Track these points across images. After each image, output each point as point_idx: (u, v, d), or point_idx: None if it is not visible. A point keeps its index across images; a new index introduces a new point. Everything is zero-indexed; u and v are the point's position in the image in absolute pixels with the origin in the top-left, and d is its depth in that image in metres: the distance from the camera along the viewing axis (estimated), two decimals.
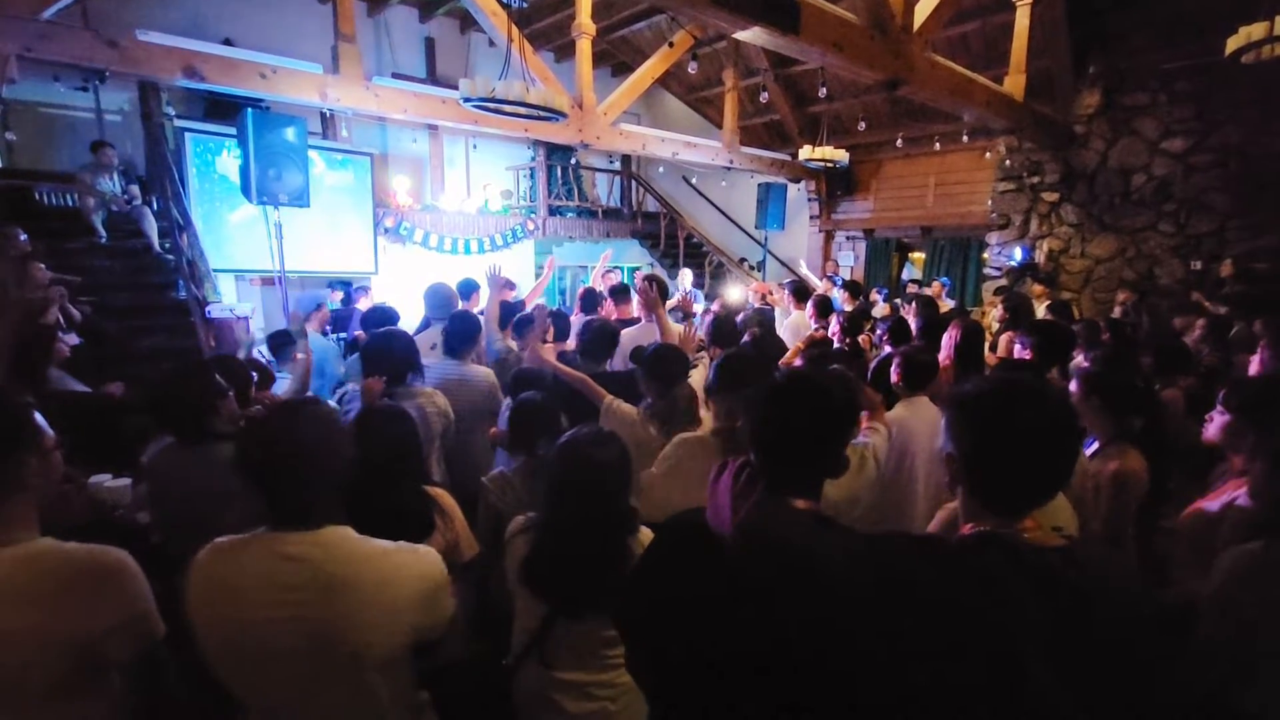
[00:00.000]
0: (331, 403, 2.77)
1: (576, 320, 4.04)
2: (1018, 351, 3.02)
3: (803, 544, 0.91)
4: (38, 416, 1.23)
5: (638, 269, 11.34)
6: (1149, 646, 0.90)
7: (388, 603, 1.22)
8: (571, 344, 3.49)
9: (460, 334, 3.05)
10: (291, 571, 1.18)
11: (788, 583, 0.86)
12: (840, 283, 6.81)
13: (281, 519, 1.22)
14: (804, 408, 1.09)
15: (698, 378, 2.86)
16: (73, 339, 4.49)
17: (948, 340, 3.07)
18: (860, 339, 4.04)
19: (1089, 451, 2.16)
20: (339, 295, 6.84)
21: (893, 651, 0.81)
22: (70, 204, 6.41)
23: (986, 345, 4.70)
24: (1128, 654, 0.88)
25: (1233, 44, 3.90)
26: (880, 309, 6.80)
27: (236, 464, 1.22)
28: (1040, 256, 7.65)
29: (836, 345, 3.83)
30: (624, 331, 3.69)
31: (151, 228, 6.25)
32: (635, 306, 5.32)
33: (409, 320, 5.05)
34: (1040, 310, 5.72)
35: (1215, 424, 1.98)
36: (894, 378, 2.64)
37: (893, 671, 0.81)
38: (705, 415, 2.51)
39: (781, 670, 0.87)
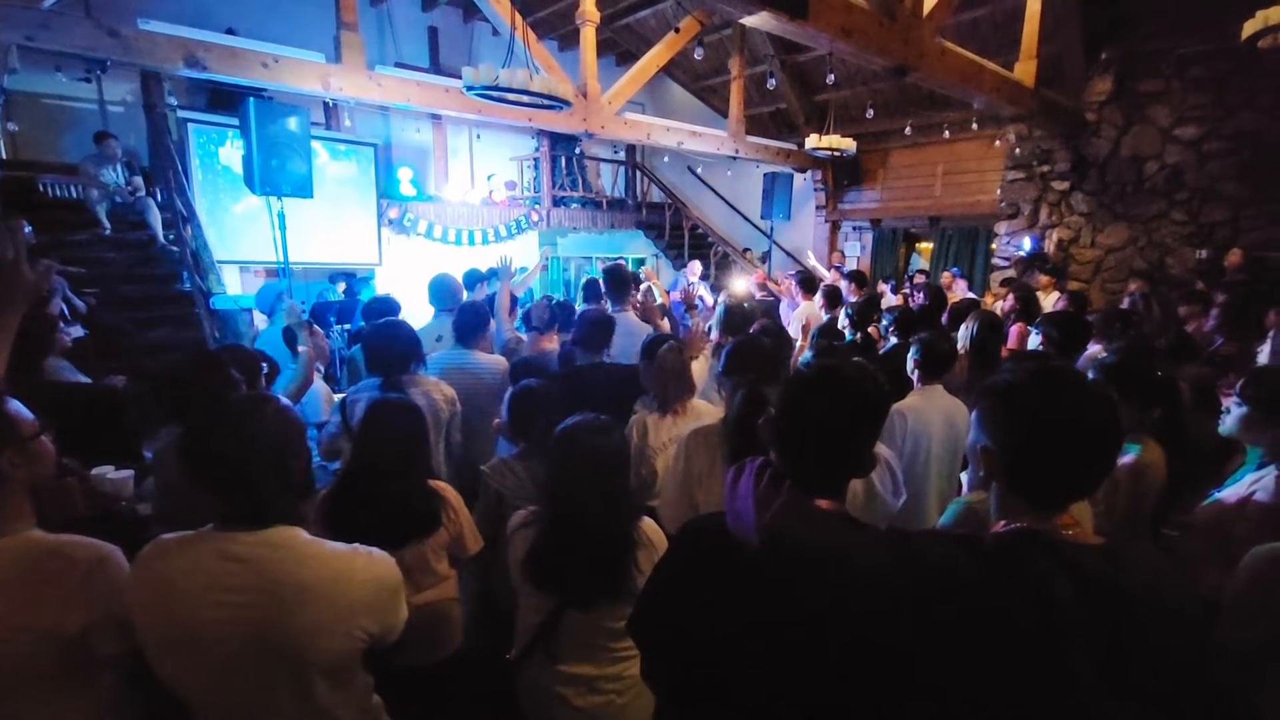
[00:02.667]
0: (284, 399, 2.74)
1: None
2: (1032, 342, 2.98)
3: (839, 549, 0.87)
4: (12, 405, 1.18)
5: (642, 260, 11.30)
6: (1188, 647, 0.87)
7: (336, 606, 1.17)
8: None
9: (470, 324, 3.06)
10: (236, 572, 1.13)
11: (826, 590, 0.84)
12: (846, 274, 6.76)
13: (230, 517, 1.17)
14: (833, 402, 1.01)
15: (699, 368, 2.86)
16: (77, 331, 4.49)
17: (965, 332, 3.04)
18: (870, 330, 4.01)
19: None
20: (342, 287, 6.83)
21: (940, 656, 0.78)
22: (74, 196, 6.40)
23: None
24: (1169, 655, 0.85)
25: (1249, 28, 3.81)
26: (889, 300, 6.74)
27: (181, 461, 1.17)
28: (1050, 246, 7.56)
29: (850, 338, 3.81)
30: None
31: (155, 219, 6.24)
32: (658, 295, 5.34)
33: (412, 311, 5.04)
34: (1049, 302, 5.65)
35: (1233, 416, 1.94)
36: (911, 366, 2.62)
37: (940, 676, 0.79)
38: (707, 406, 2.50)
39: (820, 677, 0.84)
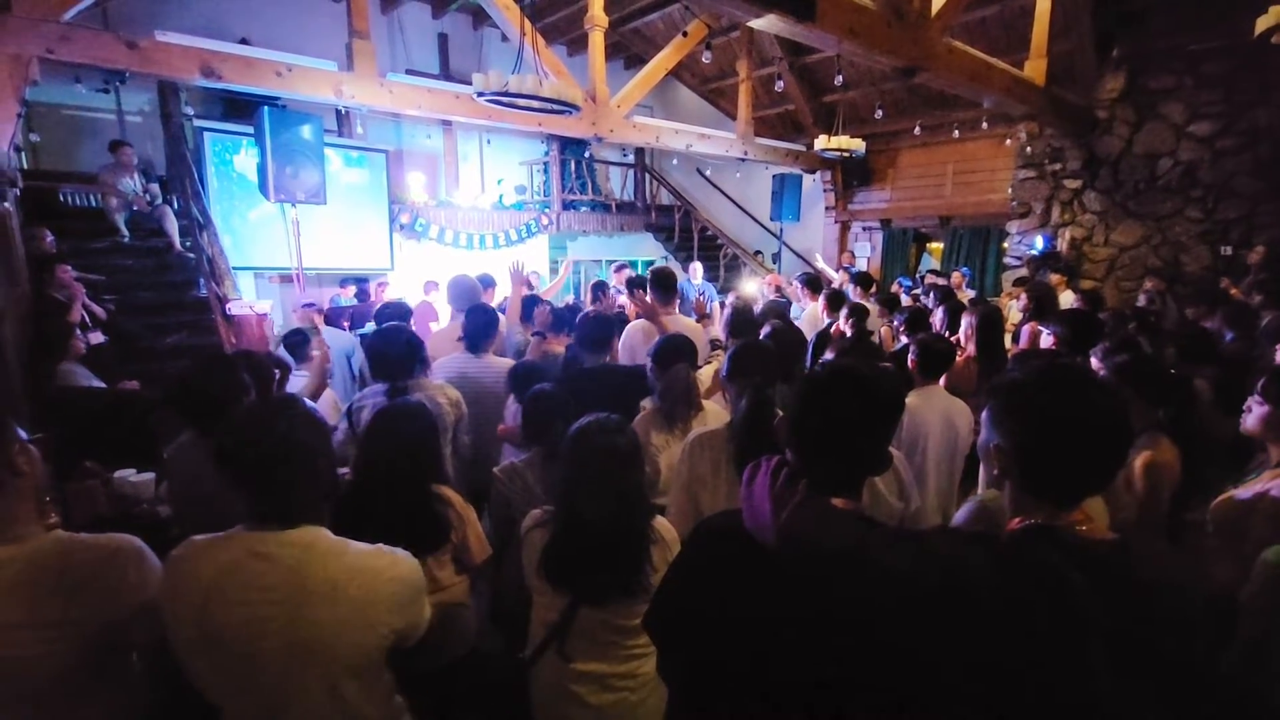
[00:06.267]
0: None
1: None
2: (1043, 341, 2.97)
3: (855, 547, 0.88)
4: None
5: (651, 263, 11.32)
6: (1198, 640, 0.87)
7: (363, 606, 1.19)
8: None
9: (479, 328, 3.05)
10: (265, 571, 1.15)
11: (842, 587, 0.85)
12: (854, 275, 6.75)
13: (259, 517, 1.19)
14: (850, 400, 1.02)
15: (707, 373, 2.87)
16: (97, 337, 4.58)
17: (966, 327, 3.03)
18: (883, 330, 4.01)
19: None
20: (351, 290, 6.87)
21: (955, 652, 0.79)
22: (94, 204, 6.51)
23: (1008, 336, 4.66)
24: (1180, 647, 0.85)
25: (1262, 24, 3.78)
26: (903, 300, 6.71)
27: (216, 460, 1.19)
28: (1062, 245, 7.50)
29: (850, 336, 3.81)
30: (630, 325, 3.69)
31: (173, 227, 6.33)
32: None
33: (425, 314, 5.09)
34: (1062, 302, 5.61)
35: (1254, 415, 1.92)
36: (910, 365, 2.63)
37: (955, 672, 0.79)
38: (715, 408, 2.51)
39: (835, 674, 0.85)
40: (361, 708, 1.22)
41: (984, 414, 1.06)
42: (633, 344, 3.51)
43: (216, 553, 1.18)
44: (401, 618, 1.24)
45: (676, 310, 3.79)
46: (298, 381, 3.22)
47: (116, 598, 1.18)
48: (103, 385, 3.59)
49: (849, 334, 3.86)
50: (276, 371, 2.69)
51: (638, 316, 4.10)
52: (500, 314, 3.51)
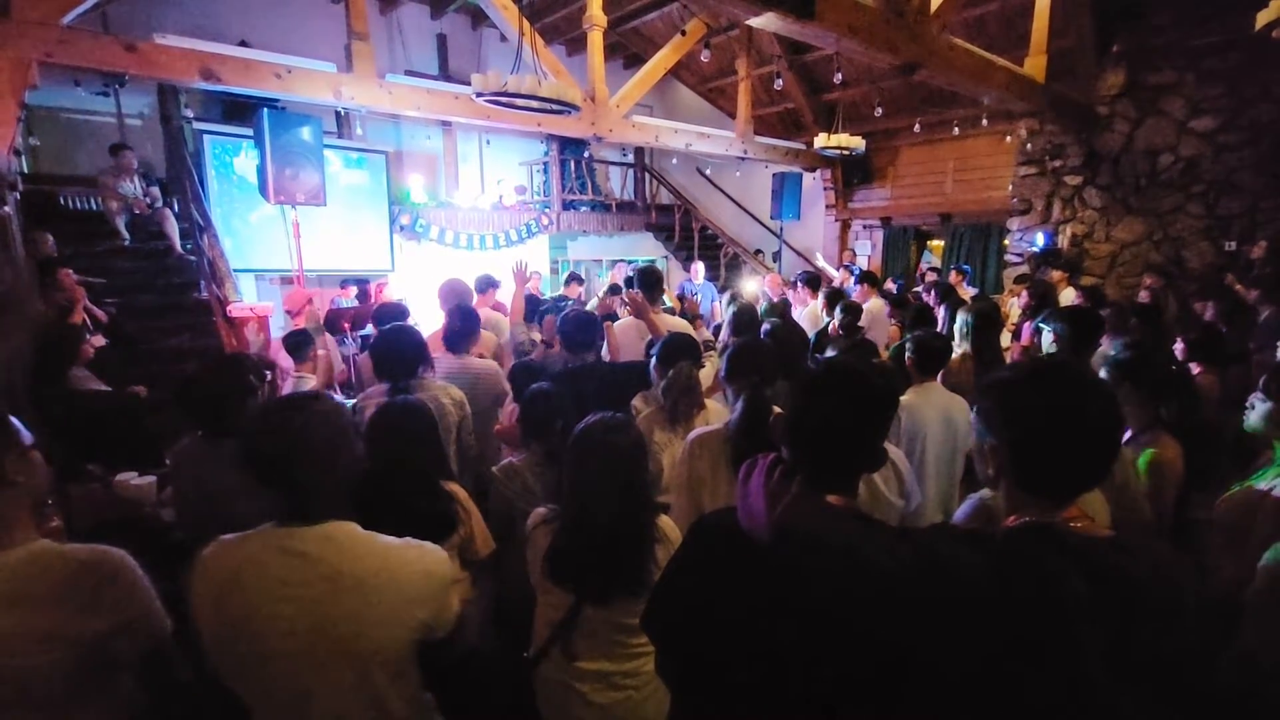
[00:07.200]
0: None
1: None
2: (1045, 337, 2.96)
3: (848, 544, 0.88)
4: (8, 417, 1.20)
5: (652, 262, 11.32)
6: (1200, 639, 0.87)
7: (393, 599, 1.19)
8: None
9: (459, 330, 3.04)
10: (295, 567, 1.16)
11: (836, 584, 0.85)
12: (858, 273, 6.74)
13: (286, 514, 1.20)
14: (840, 397, 1.03)
15: (707, 374, 2.86)
16: (99, 340, 4.58)
17: (961, 325, 3.04)
18: (891, 329, 4.02)
19: (1123, 440, 2.10)
20: (352, 291, 6.88)
21: (949, 649, 0.79)
22: (94, 208, 6.52)
23: (1009, 334, 4.65)
24: (1177, 644, 0.85)
25: (1263, 18, 3.75)
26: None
27: (240, 457, 1.20)
28: (1063, 242, 7.48)
29: (842, 334, 3.82)
30: (620, 323, 3.70)
31: (173, 229, 6.33)
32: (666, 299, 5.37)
33: (425, 316, 5.09)
34: (1063, 298, 5.60)
35: (1258, 412, 1.91)
36: (907, 362, 2.63)
37: (948, 669, 0.79)
38: (716, 407, 2.51)
39: (830, 671, 0.85)
40: (391, 702, 1.23)
41: (976, 412, 1.06)
42: (624, 341, 3.52)
43: (245, 550, 1.19)
44: (428, 610, 1.24)
45: (663, 309, 3.79)
46: (294, 384, 3.22)
47: (94, 611, 1.16)
48: (107, 389, 3.59)
49: (840, 333, 3.87)
50: (268, 373, 2.70)
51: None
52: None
